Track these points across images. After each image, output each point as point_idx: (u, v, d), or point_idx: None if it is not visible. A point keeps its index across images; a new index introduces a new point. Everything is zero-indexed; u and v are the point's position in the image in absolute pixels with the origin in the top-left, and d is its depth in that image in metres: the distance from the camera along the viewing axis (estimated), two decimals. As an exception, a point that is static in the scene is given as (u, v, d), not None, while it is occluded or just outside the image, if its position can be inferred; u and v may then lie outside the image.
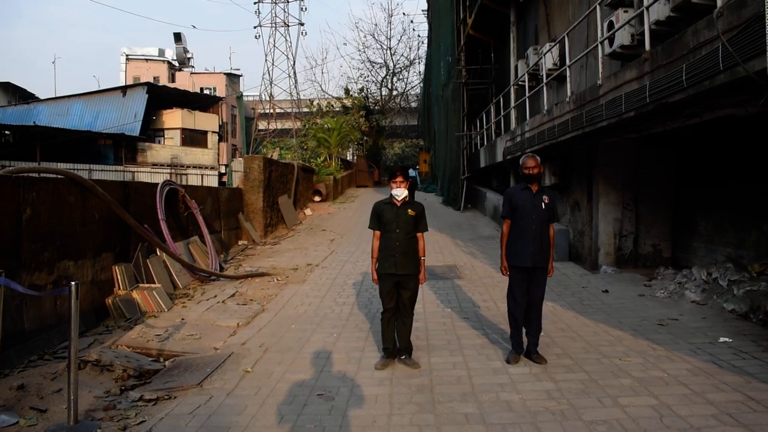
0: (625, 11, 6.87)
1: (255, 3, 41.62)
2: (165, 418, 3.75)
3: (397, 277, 4.71)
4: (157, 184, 8.47)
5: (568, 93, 8.58)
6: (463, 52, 18.26)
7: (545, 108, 9.83)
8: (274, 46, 42.17)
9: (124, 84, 35.75)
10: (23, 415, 3.77)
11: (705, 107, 5.25)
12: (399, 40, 71.64)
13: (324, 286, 8.13)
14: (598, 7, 7.38)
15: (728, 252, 7.64)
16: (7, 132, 27.39)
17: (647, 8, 6.05)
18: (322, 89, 52.43)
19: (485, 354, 5.03)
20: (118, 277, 6.62)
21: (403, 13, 77.09)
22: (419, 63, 42.28)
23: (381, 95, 41.05)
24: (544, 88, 10.07)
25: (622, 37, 6.90)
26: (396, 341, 4.83)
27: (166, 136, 32.30)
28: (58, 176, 6.02)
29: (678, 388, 4.09)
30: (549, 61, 10.50)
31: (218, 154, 34.42)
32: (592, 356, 4.88)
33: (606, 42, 7.34)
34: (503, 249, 4.85)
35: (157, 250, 7.66)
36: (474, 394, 4.10)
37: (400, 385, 4.32)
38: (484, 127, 17.30)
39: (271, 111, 41.93)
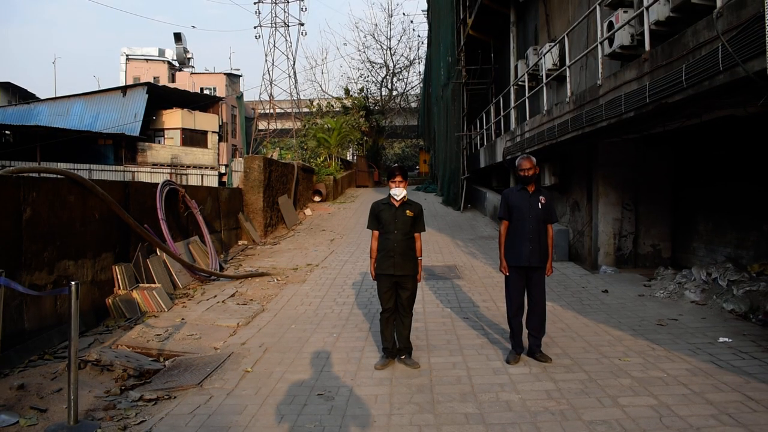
0: (625, 11, 6.88)
1: (255, 3, 41.81)
2: (165, 418, 3.76)
3: (396, 278, 4.71)
4: (157, 184, 8.47)
5: (568, 93, 8.58)
6: (463, 52, 18.27)
7: (545, 108, 9.83)
8: (274, 46, 42.34)
9: (124, 84, 35.81)
10: (23, 414, 3.78)
11: (704, 108, 5.26)
12: (399, 41, 71.60)
13: (324, 286, 8.13)
14: (597, 7, 7.39)
15: (728, 252, 7.65)
16: (7, 132, 27.42)
17: (647, 9, 6.06)
18: (322, 89, 52.51)
19: (485, 354, 5.04)
20: (118, 276, 6.63)
21: (403, 14, 77.23)
22: (419, 63, 42.38)
23: (381, 95, 41.04)
24: (544, 89, 10.08)
25: (622, 38, 6.91)
26: (395, 341, 4.83)
27: (166, 136, 32.31)
28: (59, 176, 6.02)
29: (677, 388, 4.10)
30: (549, 61, 10.50)
31: (218, 154, 34.43)
32: (592, 356, 4.89)
33: (606, 42, 7.35)
34: (502, 249, 4.88)
35: (157, 250, 7.67)
36: (474, 394, 4.10)
37: (399, 384, 4.32)
38: (484, 127, 17.31)
39: (271, 111, 41.98)
